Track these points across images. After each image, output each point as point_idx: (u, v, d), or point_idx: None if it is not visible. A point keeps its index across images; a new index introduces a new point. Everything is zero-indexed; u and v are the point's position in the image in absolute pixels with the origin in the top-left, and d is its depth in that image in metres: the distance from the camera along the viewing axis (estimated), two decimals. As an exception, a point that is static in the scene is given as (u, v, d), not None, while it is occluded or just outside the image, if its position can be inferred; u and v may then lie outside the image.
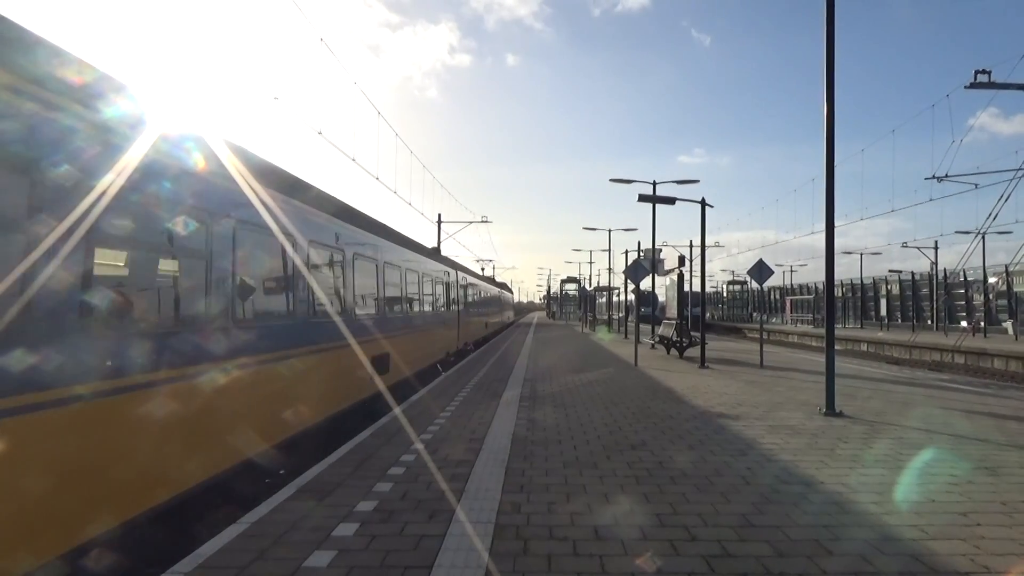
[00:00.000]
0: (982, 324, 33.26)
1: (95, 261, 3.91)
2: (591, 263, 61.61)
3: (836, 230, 9.39)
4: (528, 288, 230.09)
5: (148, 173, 4.39)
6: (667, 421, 8.42)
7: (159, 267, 4.87)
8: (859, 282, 53.09)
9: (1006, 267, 35.66)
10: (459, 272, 22.11)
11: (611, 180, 21.59)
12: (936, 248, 43.34)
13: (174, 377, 4.68)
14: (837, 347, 10.51)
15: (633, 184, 21.38)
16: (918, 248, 43.86)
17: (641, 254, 24.55)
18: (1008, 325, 34.26)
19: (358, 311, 9.32)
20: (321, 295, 7.81)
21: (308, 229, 7.47)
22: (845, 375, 13.59)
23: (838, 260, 9.86)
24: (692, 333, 19.64)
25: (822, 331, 11.46)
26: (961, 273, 40.35)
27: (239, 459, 5.62)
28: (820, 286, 52.09)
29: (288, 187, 7.18)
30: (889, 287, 49.65)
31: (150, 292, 4.78)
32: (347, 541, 4.11)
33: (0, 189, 3.29)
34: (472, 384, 12.28)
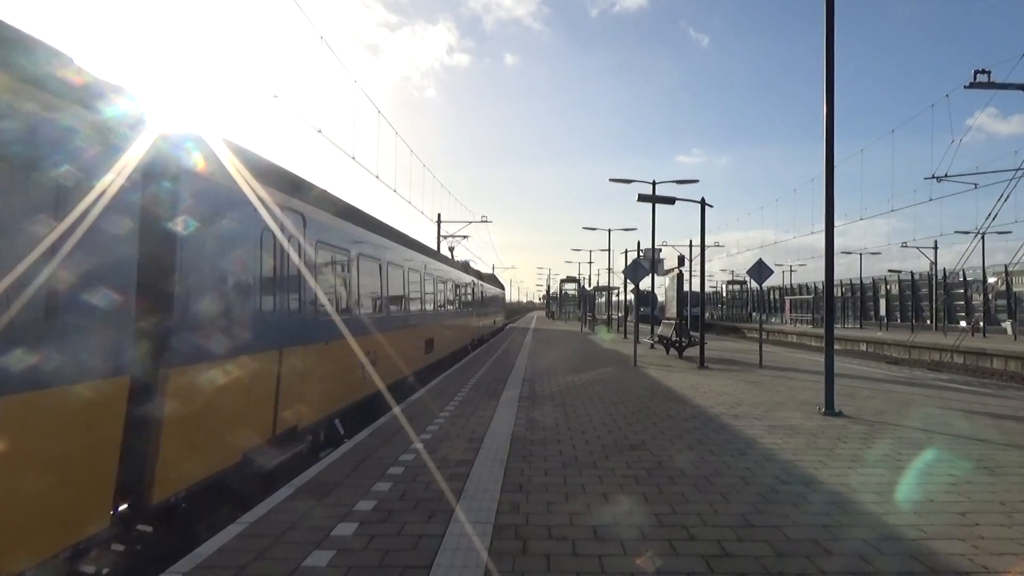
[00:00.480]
0: (981, 324, 33.21)
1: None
2: (591, 263, 61.76)
3: (835, 230, 9.40)
4: (528, 288, 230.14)
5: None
6: (666, 421, 8.42)
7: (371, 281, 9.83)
8: (858, 282, 53.02)
9: (1005, 267, 35.61)
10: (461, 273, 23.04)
11: (611, 180, 21.64)
12: (935, 248, 43.43)
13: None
14: (836, 347, 10.51)
15: (633, 184, 21.44)
16: (917, 248, 43.99)
17: (641, 254, 24.48)
18: (1007, 325, 34.24)
19: (412, 308, 13.71)
20: (403, 297, 12.46)
21: (394, 255, 11.77)
22: (844, 375, 13.60)
23: (837, 260, 9.85)
24: (691, 333, 19.63)
25: (821, 331, 11.45)
26: (960, 273, 40.27)
27: (398, 376, 11.09)
28: (819, 286, 52.00)
29: (381, 229, 11.04)
30: (888, 287, 49.59)
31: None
32: (346, 541, 4.11)
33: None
34: (472, 384, 12.30)
